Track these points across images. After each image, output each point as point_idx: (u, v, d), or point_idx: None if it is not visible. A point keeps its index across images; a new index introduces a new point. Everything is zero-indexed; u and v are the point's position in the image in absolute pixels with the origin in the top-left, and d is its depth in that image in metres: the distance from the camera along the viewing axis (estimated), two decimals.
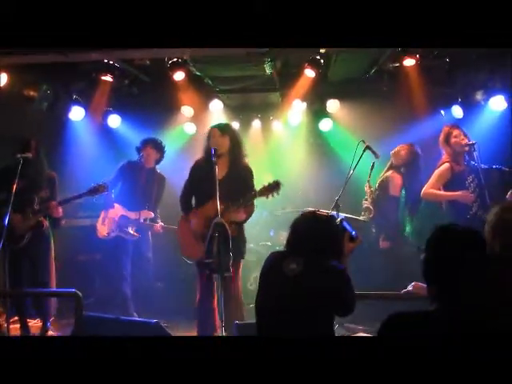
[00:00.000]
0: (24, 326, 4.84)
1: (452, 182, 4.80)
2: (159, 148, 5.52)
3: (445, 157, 4.89)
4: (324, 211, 2.98)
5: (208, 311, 4.30)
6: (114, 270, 5.42)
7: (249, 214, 4.31)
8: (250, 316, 3.34)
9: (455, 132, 4.82)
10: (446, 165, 4.83)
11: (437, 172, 4.87)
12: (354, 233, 2.79)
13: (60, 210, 4.76)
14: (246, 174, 4.34)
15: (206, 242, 3.91)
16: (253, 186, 4.28)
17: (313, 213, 2.80)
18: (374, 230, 5.17)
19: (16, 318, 4.87)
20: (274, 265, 2.67)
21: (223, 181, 4.07)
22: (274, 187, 4.09)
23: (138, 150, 5.51)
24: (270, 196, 4.12)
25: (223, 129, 4.43)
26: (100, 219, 5.46)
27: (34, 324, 5.08)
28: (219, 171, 4.08)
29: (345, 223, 2.81)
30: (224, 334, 3.65)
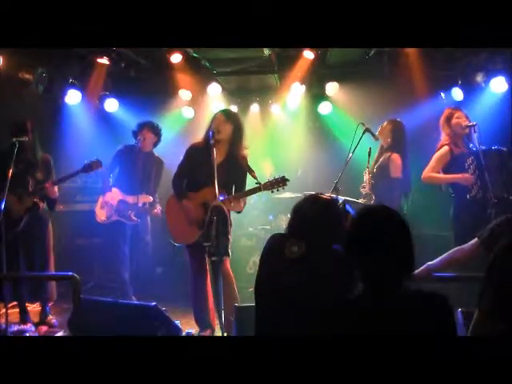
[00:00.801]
0: (23, 311, 4.82)
1: (451, 164, 4.77)
2: (156, 131, 5.46)
3: (444, 139, 4.85)
4: (327, 194, 2.95)
5: (202, 293, 4.32)
6: (113, 255, 5.42)
7: (244, 205, 4.36)
8: (249, 300, 3.33)
9: (457, 113, 4.79)
10: (446, 148, 4.80)
11: (436, 155, 4.83)
12: None
13: (55, 190, 4.72)
14: (241, 166, 4.30)
15: (204, 226, 3.89)
16: (245, 178, 4.31)
17: (315, 196, 2.75)
18: None
19: (15, 302, 4.85)
20: (275, 247, 2.64)
21: (218, 167, 4.02)
22: (280, 182, 4.13)
23: (135, 133, 5.44)
24: (274, 190, 4.17)
25: (228, 115, 4.40)
26: (98, 204, 5.45)
27: (33, 309, 5.06)
28: (216, 156, 4.04)
29: (347, 206, 2.77)
30: (223, 317, 3.65)
